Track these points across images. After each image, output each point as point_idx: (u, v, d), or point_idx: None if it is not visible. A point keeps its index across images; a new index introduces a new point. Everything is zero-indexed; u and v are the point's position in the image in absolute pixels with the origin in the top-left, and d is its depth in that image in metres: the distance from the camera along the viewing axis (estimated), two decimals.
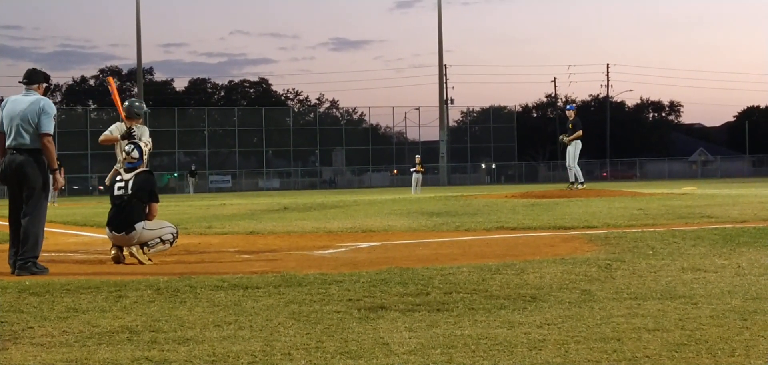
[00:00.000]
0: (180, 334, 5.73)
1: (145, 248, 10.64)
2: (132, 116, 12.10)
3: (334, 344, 5.35)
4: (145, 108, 12.33)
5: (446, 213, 18.87)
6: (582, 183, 27.66)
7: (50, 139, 9.64)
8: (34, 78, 9.86)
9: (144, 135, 12.00)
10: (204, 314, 6.48)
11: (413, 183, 46.33)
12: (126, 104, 12.25)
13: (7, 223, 9.92)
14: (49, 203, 10.14)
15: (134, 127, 11.93)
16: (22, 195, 9.64)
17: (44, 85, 9.94)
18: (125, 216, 10.70)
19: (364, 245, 12.27)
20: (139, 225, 10.63)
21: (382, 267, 8.91)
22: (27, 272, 9.23)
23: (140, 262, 10.47)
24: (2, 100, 11.03)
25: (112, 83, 12.54)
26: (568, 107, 29.53)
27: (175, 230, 11.03)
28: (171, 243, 10.91)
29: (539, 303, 6.68)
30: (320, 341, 5.44)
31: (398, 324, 5.94)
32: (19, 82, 9.90)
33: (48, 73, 10.13)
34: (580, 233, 13.01)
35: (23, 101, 9.70)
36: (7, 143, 9.67)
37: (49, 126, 9.62)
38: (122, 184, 10.94)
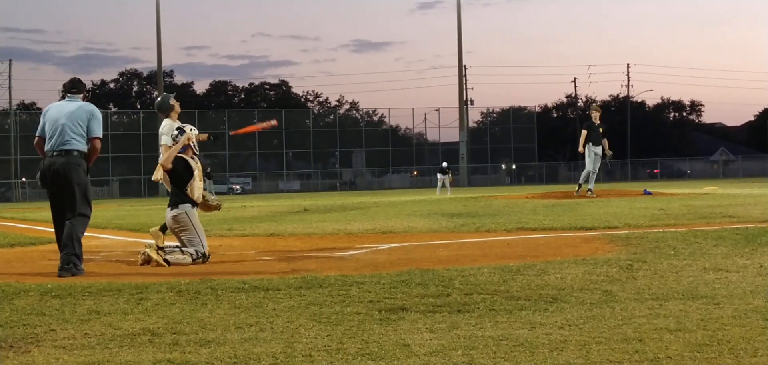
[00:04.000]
0: (201, 336, 5.74)
1: (161, 250, 10.63)
2: (163, 110, 12.27)
3: (355, 345, 5.35)
4: (170, 100, 12.47)
5: (467, 214, 18.86)
6: (582, 187, 25.70)
7: (100, 142, 10.05)
8: (80, 87, 10.28)
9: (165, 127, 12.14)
10: (225, 316, 6.49)
11: (439, 184, 48.18)
12: (159, 99, 12.44)
13: (53, 227, 10.09)
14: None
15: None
16: (64, 198, 9.80)
17: (83, 94, 10.29)
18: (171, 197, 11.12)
19: (385, 246, 12.26)
20: (182, 207, 10.88)
21: (402, 269, 8.91)
22: (69, 273, 9.34)
23: (159, 264, 10.43)
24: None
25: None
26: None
27: (195, 253, 10.66)
28: (192, 259, 10.61)
29: (560, 304, 6.67)
30: (341, 342, 5.44)
31: (419, 326, 5.94)
32: (65, 90, 10.30)
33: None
34: (601, 233, 12.97)
35: (70, 104, 10.01)
36: (49, 146, 9.86)
37: (100, 130, 10.07)
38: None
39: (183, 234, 10.76)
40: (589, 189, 25.35)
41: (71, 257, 9.50)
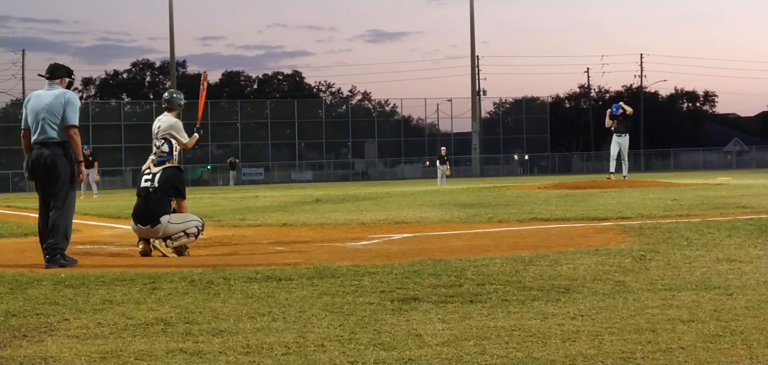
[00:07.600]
0: (214, 326, 5.76)
1: (168, 241, 10.66)
2: (173, 107, 12.18)
3: (367, 335, 5.36)
4: (182, 100, 12.41)
5: (479, 205, 18.84)
6: (612, 174, 28.35)
7: (76, 130, 9.69)
8: (56, 73, 9.94)
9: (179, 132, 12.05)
10: (238, 306, 6.51)
11: (439, 174, 45.96)
12: (165, 95, 12.36)
13: (37, 216, 9.99)
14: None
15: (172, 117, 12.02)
16: (51, 188, 9.65)
17: (67, 80, 10.02)
18: (150, 209, 10.70)
19: (397, 236, 12.26)
20: (164, 219, 10.62)
21: (415, 259, 8.90)
22: (55, 265, 9.26)
23: (164, 255, 10.50)
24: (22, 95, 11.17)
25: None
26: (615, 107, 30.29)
27: (200, 223, 10.92)
28: (195, 236, 10.82)
29: (573, 295, 6.66)
30: (353, 332, 5.45)
31: (431, 316, 5.94)
32: (40, 75, 9.97)
33: (71, 68, 10.20)
34: (614, 224, 12.94)
35: (47, 94, 9.75)
36: (33, 138, 9.71)
37: (75, 117, 9.67)
38: (149, 176, 10.97)
39: (182, 224, 10.74)
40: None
41: (57, 248, 9.44)
